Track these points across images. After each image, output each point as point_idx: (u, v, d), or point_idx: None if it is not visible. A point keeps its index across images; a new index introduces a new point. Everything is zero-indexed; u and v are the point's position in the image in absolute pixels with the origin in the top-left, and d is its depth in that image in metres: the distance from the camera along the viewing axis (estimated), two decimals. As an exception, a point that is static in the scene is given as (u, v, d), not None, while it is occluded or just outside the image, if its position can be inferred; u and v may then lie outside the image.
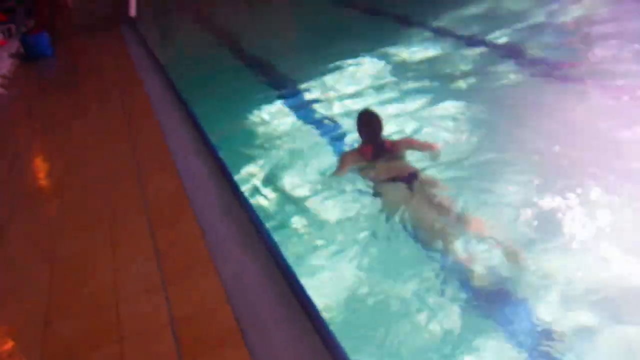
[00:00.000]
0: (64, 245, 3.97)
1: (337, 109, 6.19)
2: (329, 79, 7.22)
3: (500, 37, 7.76)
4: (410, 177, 4.18)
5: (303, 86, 7.09)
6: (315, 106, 6.44)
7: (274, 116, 6.28)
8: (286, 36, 10.93)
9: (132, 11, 12.72)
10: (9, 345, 3.08)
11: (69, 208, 4.53)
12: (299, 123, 6.05)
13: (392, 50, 8.01)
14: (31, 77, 9.55)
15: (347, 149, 4.99)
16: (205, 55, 10.03)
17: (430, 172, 4.34)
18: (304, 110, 6.35)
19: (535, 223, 3.72)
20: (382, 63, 7.61)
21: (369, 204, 4.18)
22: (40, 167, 5.64)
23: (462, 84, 6.44)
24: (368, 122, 4.59)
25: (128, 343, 2.89)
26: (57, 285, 3.50)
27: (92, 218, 4.29)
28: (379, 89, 6.64)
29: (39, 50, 10.28)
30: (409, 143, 4.69)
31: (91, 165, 5.30)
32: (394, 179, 4.22)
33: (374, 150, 4.49)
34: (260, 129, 6.07)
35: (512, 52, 7.16)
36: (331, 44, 8.89)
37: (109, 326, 3.04)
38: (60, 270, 3.67)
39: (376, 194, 4.23)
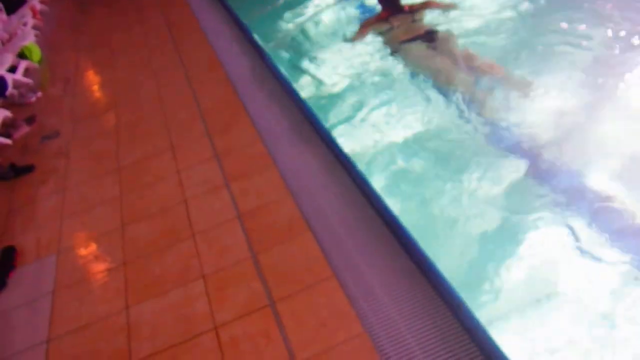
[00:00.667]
0: (127, 155, 4.13)
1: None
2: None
3: None
4: (430, 36, 4.29)
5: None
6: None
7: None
8: None
9: None
10: (93, 247, 3.33)
11: (125, 120, 4.65)
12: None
13: None
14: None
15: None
16: None
17: (449, 29, 4.41)
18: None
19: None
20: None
21: (394, 65, 4.28)
22: (93, 83, 5.74)
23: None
24: None
25: (200, 238, 3.07)
26: (127, 192, 3.70)
27: (149, 127, 4.41)
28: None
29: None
30: (427, 5, 4.72)
31: (141, 76, 5.35)
32: (414, 39, 4.33)
33: (393, 14, 4.62)
34: (301, 21, 5.88)
35: None
36: None
37: (180, 224, 3.22)
38: (127, 177, 3.85)
39: (396, 53, 4.36)
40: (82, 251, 3.34)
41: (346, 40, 4.85)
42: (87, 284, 3.07)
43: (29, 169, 4.29)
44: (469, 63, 3.95)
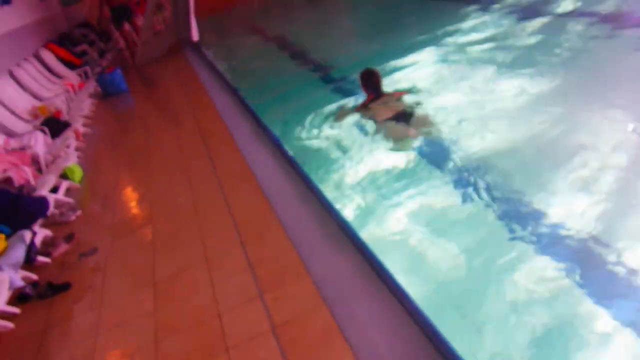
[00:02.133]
0: (162, 268, 4.16)
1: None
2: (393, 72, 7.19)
3: None
4: (407, 115, 5.28)
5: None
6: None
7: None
8: (344, 32, 10.95)
9: (195, 36, 13.13)
10: (127, 366, 3.28)
11: (161, 233, 4.74)
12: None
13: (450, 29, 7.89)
14: (110, 113, 10.07)
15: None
16: (267, 64, 10.47)
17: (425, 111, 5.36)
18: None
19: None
20: (443, 47, 7.52)
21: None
22: (130, 199, 5.92)
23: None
24: (369, 76, 5.76)
25: (234, 353, 3.00)
26: (162, 306, 3.69)
27: (184, 238, 4.47)
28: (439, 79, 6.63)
29: (115, 86, 10.82)
30: (402, 94, 5.75)
31: (176, 190, 5.50)
32: (393, 118, 5.30)
33: (375, 98, 5.64)
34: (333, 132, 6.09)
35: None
36: (393, 34, 8.87)
37: (215, 338, 3.17)
38: (162, 291, 3.86)
39: (378, 131, 5.31)
40: (116, 369, 3.29)
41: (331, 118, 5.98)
42: (120, 405, 2.99)
43: (65, 286, 4.34)
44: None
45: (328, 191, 4.46)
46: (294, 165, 5.00)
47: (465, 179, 4.38)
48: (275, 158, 5.35)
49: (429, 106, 5.46)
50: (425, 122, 5.16)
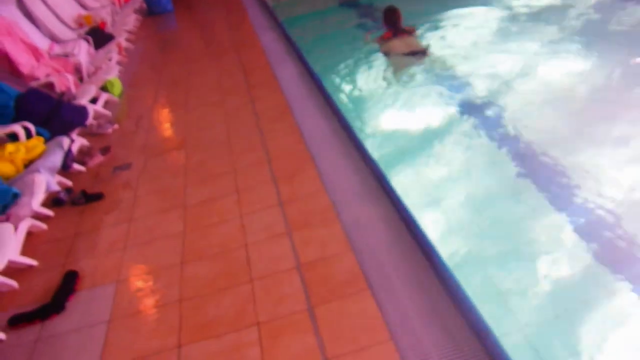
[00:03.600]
0: (193, 193, 4.22)
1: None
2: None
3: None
4: (421, 53, 5.92)
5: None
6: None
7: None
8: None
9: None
10: (151, 281, 3.37)
11: (194, 160, 4.78)
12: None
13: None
14: (154, 32, 10.02)
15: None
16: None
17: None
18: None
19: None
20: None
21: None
22: (166, 121, 5.96)
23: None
24: (390, 13, 6.27)
25: (258, 285, 3.07)
26: (190, 230, 3.76)
27: (217, 168, 4.51)
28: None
29: (161, 5, 10.74)
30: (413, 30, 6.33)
31: (211, 120, 5.52)
32: (408, 54, 5.92)
33: (393, 34, 6.16)
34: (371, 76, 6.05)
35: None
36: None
37: (240, 268, 3.24)
38: (191, 215, 3.92)
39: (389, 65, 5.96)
40: (140, 284, 3.39)
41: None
42: (142, 317, 3.10)
43: (98, 196, 4.44)
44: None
45: (366, 139, 4.43)
46: (335, 110, 4.95)
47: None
48: (317, 100, 5.30)
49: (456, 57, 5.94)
50: (438, 61, 5.90)
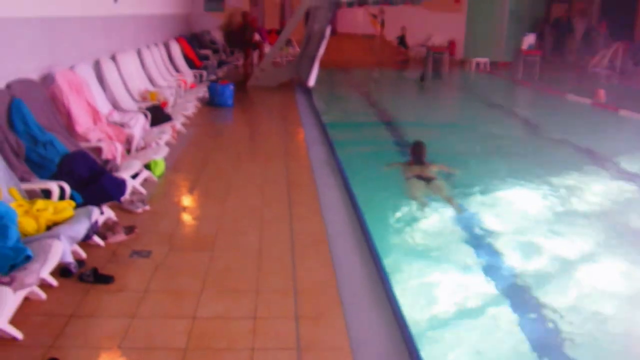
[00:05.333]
0: (207, 305, 3.90)
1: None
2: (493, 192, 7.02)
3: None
4: (428, 179, 7.09)
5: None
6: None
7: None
8: (449, 133, 10.91)
9: (311, 82, 13.34)
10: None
11: (218, 266, 4.50)
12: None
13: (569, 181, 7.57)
14: (209, 123, 10.17)
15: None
16: (366, 128, 10.93)
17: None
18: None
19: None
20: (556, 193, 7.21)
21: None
22: (200, 215, 5.77)
23: None
24: (415, 147, 7.54)
25: None
26: (193, 349, 3.41)
27: (239, 283, 4.23)
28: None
29: (222, 99, 11.01)
30: (440, 167, 7.55)
31: (245, 227, 5.31)
32: (419, 177, 7.13)
33: (415, 163, 7.44)
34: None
35: None
36: (500, 159, 8.69)
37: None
38: (199, 331, 3.59)
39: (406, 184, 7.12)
40: (124, 396, 3.02)
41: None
42: None
43: (108, 279, 4.16)
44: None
45: (401, 294, 4.15)
46: (373, 252, 4.73)
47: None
48: (356, 236, 5.10)
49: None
50: (441, 189, 6.98)
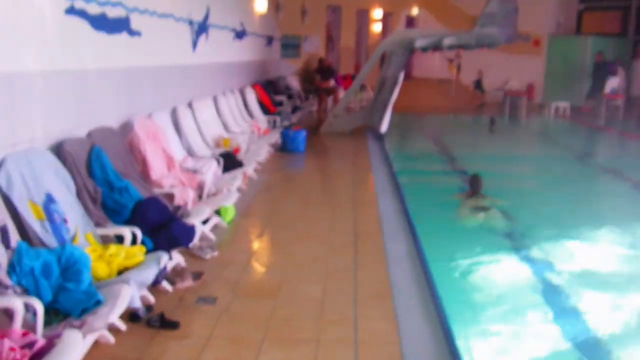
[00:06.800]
0: (267, 354, 3.92)
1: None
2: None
3: None
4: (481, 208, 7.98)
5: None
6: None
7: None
8: (521, 180, 10.59)
9: (383, 128, 13.36)
10: None
11: (280, 315, 4.52)
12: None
13: None
14: (280, 169, 10.35)
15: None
16: (437, 176, 10.90)
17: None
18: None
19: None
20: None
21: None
22: (267, 263, 5.84)
23: None
24: (473, 179, 8.47)
25: None
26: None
27: (300, 334, 4.22)
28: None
29: (295, 145, 11.22)
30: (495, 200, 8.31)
31: (312, 275, 5.32)
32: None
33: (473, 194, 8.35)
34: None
35: None
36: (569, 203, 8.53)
37: None
38: (258, 382, 3.59)
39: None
40: None
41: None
42: None
43: (174, 325, 4.25)
44: None
45: None
46: (439, 310, 4.59)
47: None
48: (421, 292, 4.98)
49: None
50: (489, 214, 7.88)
